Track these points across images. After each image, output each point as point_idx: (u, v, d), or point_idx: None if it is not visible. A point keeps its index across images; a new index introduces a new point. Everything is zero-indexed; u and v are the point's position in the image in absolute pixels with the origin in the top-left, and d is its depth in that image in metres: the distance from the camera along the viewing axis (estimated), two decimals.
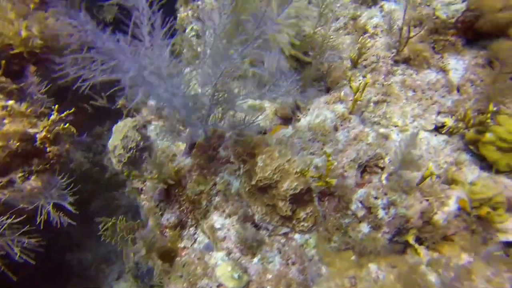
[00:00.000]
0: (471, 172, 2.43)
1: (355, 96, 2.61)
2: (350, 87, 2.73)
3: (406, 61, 3.17)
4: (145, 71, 1.74)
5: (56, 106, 2.98)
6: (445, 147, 2.77)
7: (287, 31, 2.49)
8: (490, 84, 2.69)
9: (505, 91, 2.56)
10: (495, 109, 2.50)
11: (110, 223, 3.47)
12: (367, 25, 3.63)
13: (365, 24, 3.66)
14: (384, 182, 2.22)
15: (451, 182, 2.40)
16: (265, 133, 3.01)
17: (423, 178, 2.16)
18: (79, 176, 4.73)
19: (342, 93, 2.91)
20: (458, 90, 2.95)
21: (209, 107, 2.32)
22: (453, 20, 3.02)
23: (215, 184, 2.60)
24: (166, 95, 1.93)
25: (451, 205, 2.16)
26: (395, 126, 2.93)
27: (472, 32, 2.97)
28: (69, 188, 2.83)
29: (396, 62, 3.20)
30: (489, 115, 2.46)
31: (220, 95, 2.27)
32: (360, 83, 2.66)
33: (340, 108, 2.78)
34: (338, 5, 3.97)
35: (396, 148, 2.35)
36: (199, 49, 3.36)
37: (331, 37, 3.70)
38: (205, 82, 2.27)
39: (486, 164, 2.52)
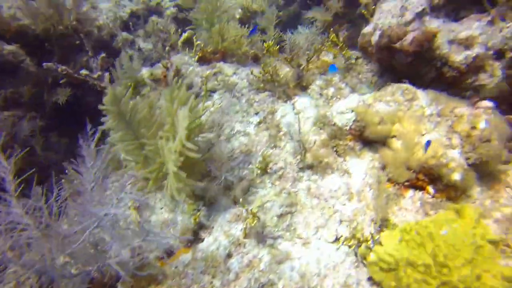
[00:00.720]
0: None
1: (245, 226, 2.66)
2: (246, 210, 2.78)
3: (311, 167, 3.26)
4: None
5: None
6: (344, 260, 2.79)
7: (172, 165, 2.58)
8: (375, 198, 2.78)
9: (386, 206, 2.64)
10: (373, 232, 2.56)
11: None
12: (280, 124, 3.77)
13: (279, 122, 3.79)
14: None
15: None
16: (172, 252, 3.02)
17: None
18: None
19: (244, 212, 2.96)
20: (358, 197, 3.02)
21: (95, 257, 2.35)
22: (347, 128, 3.16)
23: None
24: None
25: None
26: (299, 239, 2.96)
27: (364, 139, 3.10)
28: None
29: (302, 169, 3.28)
30: (369, 237, 2.52)
31: (98, 247, 2.31)
32: (251, 209, 2.72)
33: (238, 230, 2.81)
34: (257, 99, 4.12)
35: None
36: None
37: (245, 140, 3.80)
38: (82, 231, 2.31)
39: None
